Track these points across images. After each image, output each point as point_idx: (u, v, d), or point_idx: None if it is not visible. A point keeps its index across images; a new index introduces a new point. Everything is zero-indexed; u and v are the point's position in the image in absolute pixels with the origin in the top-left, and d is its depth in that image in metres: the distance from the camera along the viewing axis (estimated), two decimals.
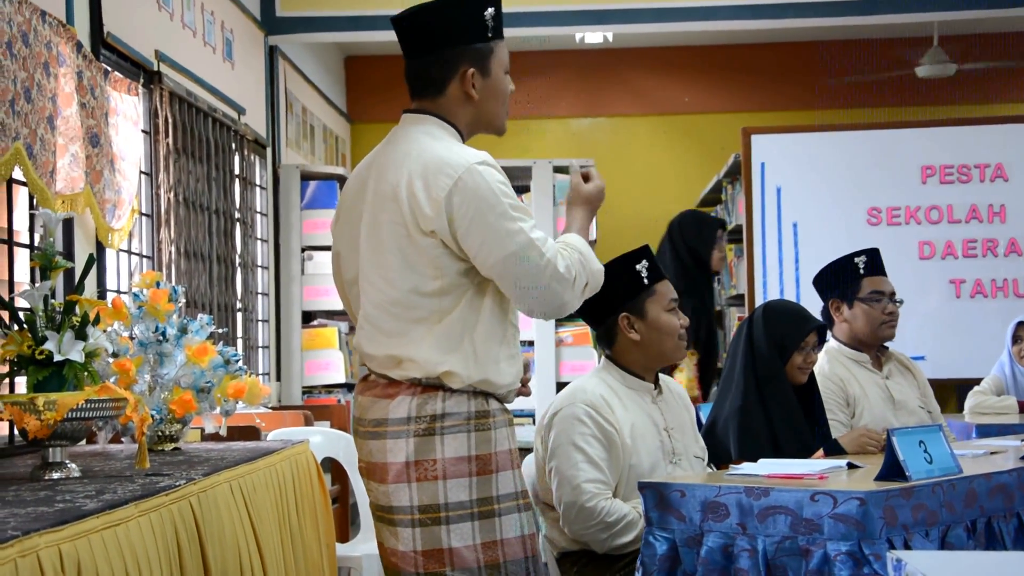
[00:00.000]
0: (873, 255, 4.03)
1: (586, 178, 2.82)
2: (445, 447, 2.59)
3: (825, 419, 3.68)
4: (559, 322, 6.76)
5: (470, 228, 2.56)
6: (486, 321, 2.63)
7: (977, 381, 5.80)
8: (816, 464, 3.10)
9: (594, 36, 8.31)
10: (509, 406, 2.73)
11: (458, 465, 2.59)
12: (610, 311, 3.35)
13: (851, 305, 3.97)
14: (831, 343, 4.01)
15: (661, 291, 3.35)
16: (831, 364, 3.95)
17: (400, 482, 2.61)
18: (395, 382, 2.64)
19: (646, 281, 3.34)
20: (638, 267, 3.34)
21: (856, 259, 4.01)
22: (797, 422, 3.57)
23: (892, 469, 2.83)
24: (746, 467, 3.06)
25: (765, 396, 3.57)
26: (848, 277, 4.00)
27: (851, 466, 3.13)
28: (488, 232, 2.55)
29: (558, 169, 6.86)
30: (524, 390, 2.81)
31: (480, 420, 2.62)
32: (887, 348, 4.09)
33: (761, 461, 3.22)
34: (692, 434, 3.43)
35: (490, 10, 2.69)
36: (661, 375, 3.45)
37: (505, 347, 2.66)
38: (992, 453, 3.47)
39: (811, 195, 6.64)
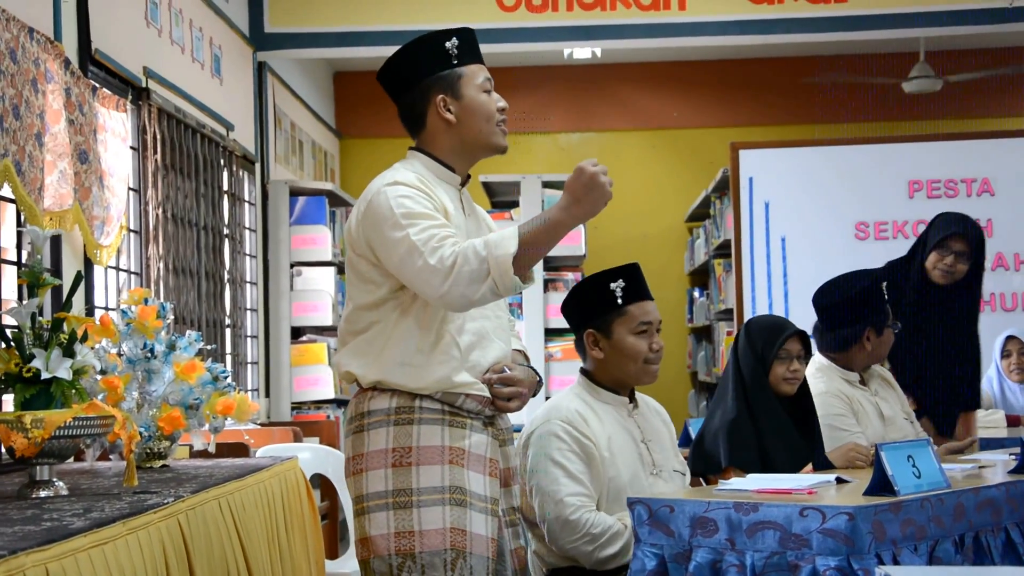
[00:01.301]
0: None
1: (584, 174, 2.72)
2: (369, 442, 2.76)
3: (819, 433, 3.67)
4: (548, 337, 6.76)
5: (376, 243, 2.73)
6: (406, 330, 2.75)
7: None
8: (805, 479, 3.11)
9: (583, 52, 8.34)
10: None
11: (377, 458, 2.74)
12: (579, 325, 3.38)
13: (881, 333, 3.98)
14: (823, 361, 4.01)
15: (633, 313, 3.31)
16: (828, 381, 3.94)
17: (348, 477, 2.81)
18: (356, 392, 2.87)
19: (619, 301, 3.32)
20: (612, 286, 3.33)
21: (883, 284, 4.02)
22: (787, 434, 3.57)
23: (881, 484, 2.84)
24: (735, 482, 3.06)
25: (753, 408, 3.57)
26: (878, 303, 4.01)
27: (840, 481, 3.13)
28: (384, 244, 2.71)
29: (547, 184, 6.86)
30: (504, 405, 2.83)
31: (401, 415, 2.75)
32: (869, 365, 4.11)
33: (750, 476, 3.22)
34: (671, 448, 3.44)
35: (452, 40, 2.86)
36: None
37: (424, 355, 2.74)
38: (980, 467, 3.47)
39: (799, 210, 6.65)
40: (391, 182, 2.77)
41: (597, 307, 3.34)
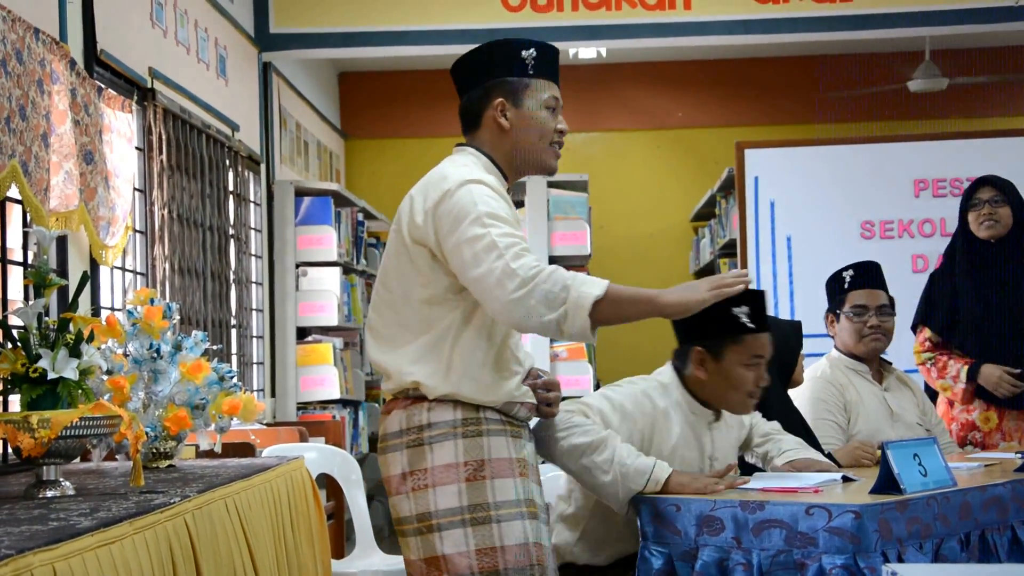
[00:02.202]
0: (863, 268, 4.05)
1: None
2: (435, 456, 2.66)
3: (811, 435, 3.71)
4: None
5: (447, 237, 2.63)
6: (471, 339, 2.67)
7: None
8: (811, 478, 3.11)
9: (588, 51, 8.33)
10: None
11: (447, 472, 2.65)
12: (688, 338, 3.18)
13: (838, 318, 4.02)
14: (833, 352, 4.06)
15: (750, 344, 3.12)
16: (832, 370, 3.99)
17: (401, 493, 2.70)
18: (394, 398, 2.75)
19: (741, 328, 3.11)
20: (736, 311, 3.10)
21: (844, 272, 4.04)
22: (795, 428, 3.60)
23: (887, 482, 2.84)
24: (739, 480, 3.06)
25: (783, 401, 3.61)
26: (836, 290, 4.05)
27: (846, 479, 3.13)
28: (459, 240, 2.61)
29: (552, 184, 6.86)
30: (549, 410, 2.81)
31: (468, 427, 2.66)
32: (888, 363, 4.12)
33: (756, 475, 3.22)
34: (733, 458, 3.29)
35: (531, 51, 2.82)
36: None
37: (490, 368, 2.67)
38: (987, 466, 3.47)
39: (805, 209, 6.65)
40: (475, 179, 2.69)
41: (715, 327, 3.11)
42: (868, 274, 4.03)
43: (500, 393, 2.70)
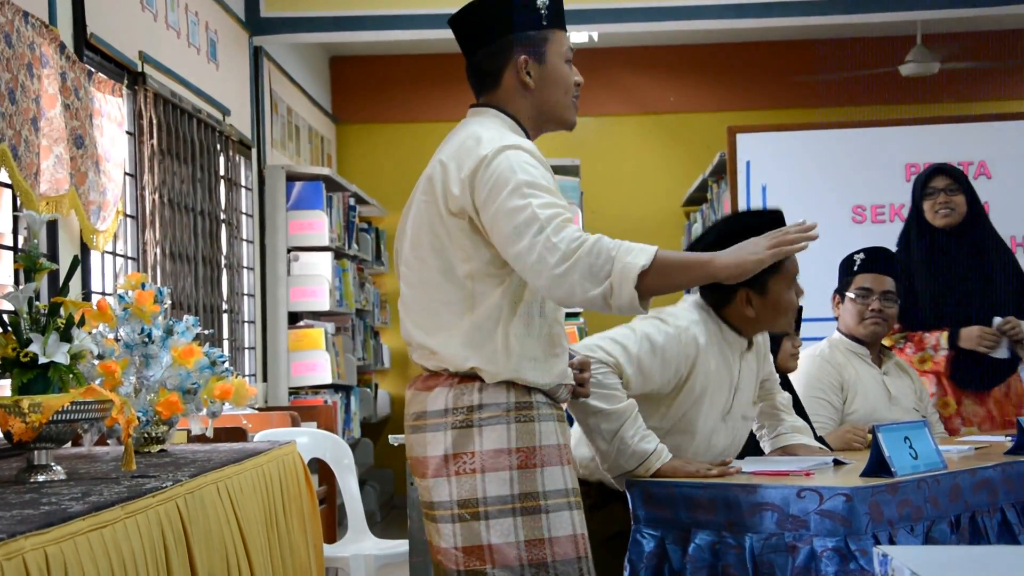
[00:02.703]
0: (873, 253, 4.07)
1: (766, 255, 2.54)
2: (484, 439, 2.50)
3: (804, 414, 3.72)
4: None
5: (486, 205, 2.47)
6: (523, 316, 2.52)
7: None
8: (802, 461, 3.11)
9: (579, 36, 8.32)
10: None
11: (497, 458, 2.50)
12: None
13: (843, 299, 4.04)
14: (834, 334, 4.07)
15: (788, 269, 3.10)
16: (831, 350, 4.02)
17: (439, 476, 2.53)
18: (434, 374, 2.58)
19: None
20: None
21: (856, 255, 4.06)
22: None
23: (878, 465, 2.84)
24: (733, 464, 3.06)
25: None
26: (845, 272, 4.07)
27: (837, 462, 3.14)
28: (498, 211, 2.46)
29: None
30: (582, 390, 2.72)
31: (521, 412, 2.52)
32: (888, 349, 4.14)
33: (747, 459, 3.23)
34: (752, 392, 3.19)
35: None
36: None
37: (545, 346, 2.54)
38: (976, 449, 3.48)
39: (796, 193, 6.64)
40: (512, 145, 2.52)
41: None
42: (878, 259, 4.05)
43: (554, 374, 2.57)
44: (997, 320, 4.37)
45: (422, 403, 2.58)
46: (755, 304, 3.06)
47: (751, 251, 2.53)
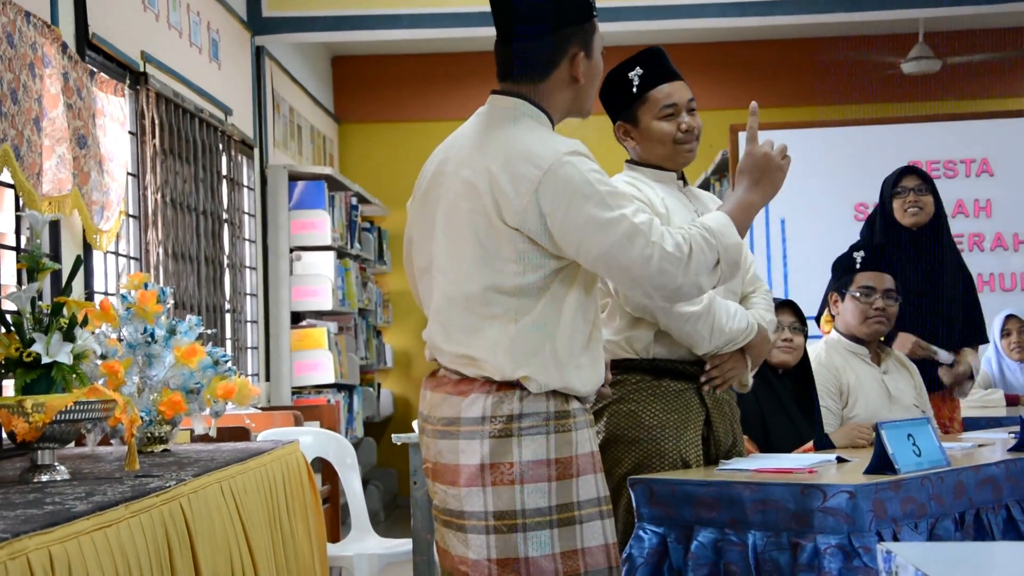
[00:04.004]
0: (874, 250, 4.08)
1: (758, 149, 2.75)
2: (523, 449, 2.43)
3: (818, 411, 3.71)
4: None
5: (566, 222, 2.40)
6: (569, 324, 2.47)
7: None
8: (805, 459, 3.11)
9: None
10: None
11: (537, 469, 2.43)
12: (613, 120, 3.22)
13: (843, 298, 4.03)
14: (832, 335, 4.06)
15: (655, 98, 3.14)
16: (828, 353, 4.00)
17: (474, 486, 2.44)
18: (467, 379, 2.49)
19: (635, 89, 3.13)
20: (631, 75, 3.13)
21: (855, 253, 4.06)
22: (786, 410, 3.61)
23: (881, 462, 2.84)
24: (735, 462, 3.06)
25: (755, 386, 3.61)
26: (844, 270, 4.07)
27: (840, 460, 3.14)
28: (587, 224, 2.40)
29: None
30: (604, 391, 2.67)
31: (560, 421, 2.46)
32: (887, 345, 4.13)
33: (751, 456, 3.23)
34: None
35: None
36: None
37: (588, 352, 2.51)
38: (980, 446, 3.48)
39: (798, 191, 6.64)
40: (572, 151, 2.46)
41: (619, 99, 3.17)
42: (878, 257, 4.06)
43: (596, 380, 2.53)
44: (944, 355, 4.43)
45: (455, 408, 2.49)
46: (633, 136, 3.19)
47: (758, 172, 2.73)
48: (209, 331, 4.03)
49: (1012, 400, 5.67)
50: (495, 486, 2.43)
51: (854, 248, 4.09)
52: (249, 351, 6.47)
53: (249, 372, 6.45)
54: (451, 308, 2.49)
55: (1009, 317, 5.89)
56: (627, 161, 3.26)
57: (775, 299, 3.85)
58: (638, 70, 3.13)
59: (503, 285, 2.43)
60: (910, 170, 4.56)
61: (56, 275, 3.91)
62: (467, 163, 2.49)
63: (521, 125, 2.52)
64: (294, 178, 6.96)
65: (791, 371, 3.75)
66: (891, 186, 4.56)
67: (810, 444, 3.53)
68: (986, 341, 4.67)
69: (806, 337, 3.79)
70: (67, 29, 4.31)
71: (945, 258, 4.51)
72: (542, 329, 2.44)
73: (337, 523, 5.66)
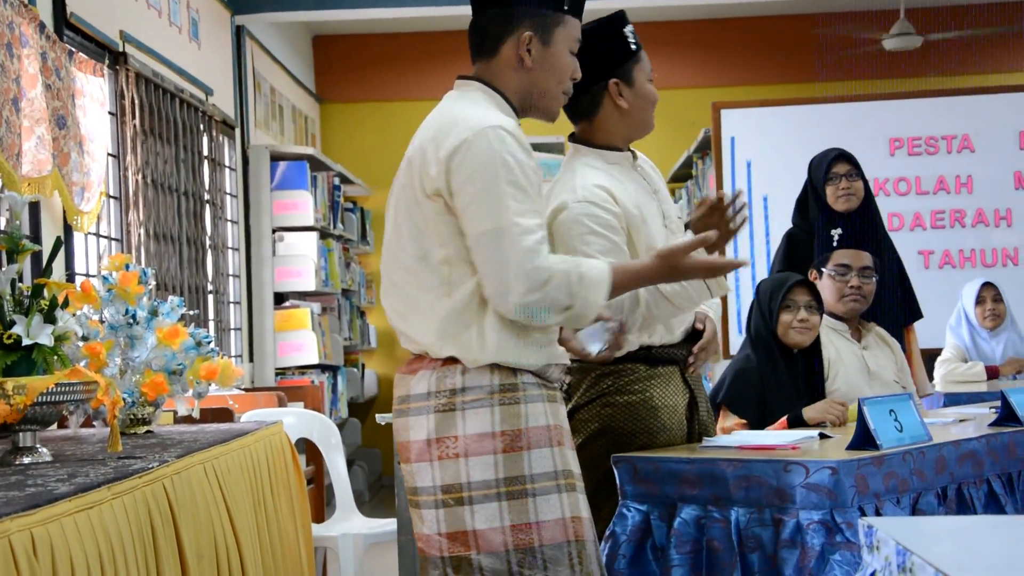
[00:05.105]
0: (852, 227, 4.10)
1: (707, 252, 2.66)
2: (467, 423, 2.44)
3: (823, 391, 3.74)
4: None
5: (462, 189, 2.40)
6: None
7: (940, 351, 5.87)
8: (788, 435, 3.13)
9: None
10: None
11: (481, 442, 2.43)
12: (600, 76, 3.00)
13: (821, 276, 4.04)
14: None
15: (646, 59, 3.11)
16: None
17: (423, 461, 2.47)
18: (418, 356, 2.53)
19: (632, 47, 3.09)
20: (626, 30, 3.07)
21: (832, 231, 4.08)
22: (786, 385, 3.63)
23: (863, 438, 2.86)
24: (719, 439, 3.08)
25: (758, 358, 3.69)
26: (823, 248, 4.09)
27: (823, 436, 3.15)
28: (478, 198, 2.39)
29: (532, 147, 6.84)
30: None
31: (506, 394, 2.45)
32: (868, 321, 4.15)
33: (735, 433, 3.24)
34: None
35: None
36: None
37: (527, 329, 2.46)
38: (961, 421, 3.50)
39: (781, 169, 6.65)
40: (496, 126, 2.43)
41: (619, 54, 3.05)
42: (856, 234, 4.08)
43: (542, 355, 2.49)
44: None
45: (406, 386, 2.53)
46: (625, 95, 3.02)
47: (671, 260, 2.58)
48: (191, 312, 4.02)
49: (992, 373, 5.70)
50: (441, 460, 2.45)
51: (830, 225, 4.10)
52: (232, 332, 6.46)
53: (232, 353, 6.44)
54: (391, 283, 2.54)
55: (985, 284, 5.91)
56: (573, 138, 3.09)
57: (790, 275, 3.84)
58: (631, 27, 3.08)
59: (431, 257, 2.45)
60: (840, 156, 4.53)
61: (36, 256, 3.89)
62: (410, 145, 2.55)
63: (466, 98, 2.54)
64: (276, 158, 6.94)
65: (805, 351, 3.76)
66: (823, 172, 4.54)
67: (784, 419, 3.55)
68: (920, 317, 4.67)
69: (821, 316, 3.78)
70: (45, 8, 4.28)
71: (880, 240, 4.53)
72: (472, 306, 2.45)
73: (322, 503, 5.66)
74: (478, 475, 2.43)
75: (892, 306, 4.50)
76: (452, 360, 2.47)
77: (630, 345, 2.97)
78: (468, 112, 2.48)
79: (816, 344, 3.78)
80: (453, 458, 2.44)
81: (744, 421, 3.63)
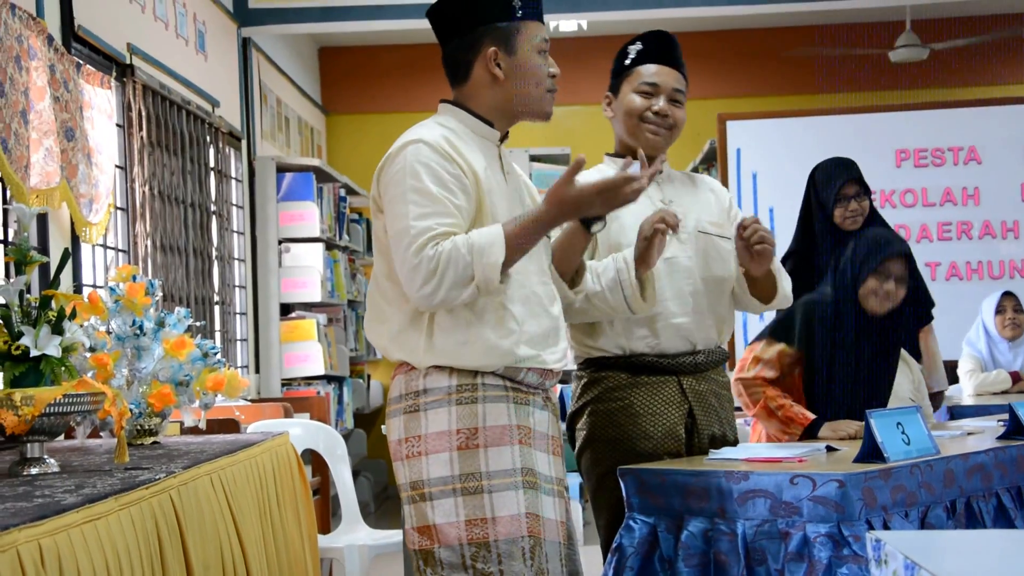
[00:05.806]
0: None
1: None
2: (429, 422, 2.58)
3: (889, 382, 3.65)
4: None
5: (384, 202, 2.61)
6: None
7: (954, 363, 5.84)
8: (795, 448, 3.12)
9: (568, 24, 8.31)
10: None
11: (439, 440, 2.56)
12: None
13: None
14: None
15: (639, 72, 3.13)
16: None
17: (397, 460, 2.64)
18: (399, 363, 2.69)
19: (627, 61, 3.10)
20: (630, 48, 3.11)
21: (629, 46, 3.96)
22: (863, 367, 3.52)
23: (870, 451, 2.85)
24: (725, 451, 3.07)
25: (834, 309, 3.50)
26: (618, 69, 4.01)
27: (830, 449, 3.14)
28: (389, 208, 2.58)
29: (534, 158, 6.86)
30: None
31: (463, 394, 2.57)
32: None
33: (741, 446, 3.23)
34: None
35: None
36: None
37: (478, 332, 2.56)
38: (969, 434, 3.49)
39: (787, 180, 6.65)
40: (415, 139, 2.59)
41: (616, 69, 3.18)
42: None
43: (495, 356, 2.57)
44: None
45: (389, 391, 2.72)
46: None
47: (556, 190, 2.58)
48: (198, 323, 4.02)
49: (1015, 377, 5.70)
50: (408, 459, 2.60)
51: (839, 245, 4.07)
52: (238, 343, 6.46)
53: (238, 364, 6.44)
54: (370, 300, 2.73)
55: (1006, 294, 5.89)
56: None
57: (893, 240, 3.62)
58: (638, 45, 3.15)
59: (391, 268, 2.61)
60: (850, 177, 4.36)
61: (44, 268, 3.90)
62: None
63: (425, 123, 2.68)
64: (282, 170, 6.95)
65: (882, 322, 3.54)
66: (834, 194, 4.38)
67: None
68: (931, 319, 4.62)
69: (907, 292, 3.56)
70: (52, 21, 4.29)
71: None
72: (420, 314, 2.58)
73: (327, 514, 5.66)
74: (436, 472, 2.56)
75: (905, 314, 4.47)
76: (415, 367, 2.61)
77: (609, 344, 3.07)
78: (407, 134, 2.64)
79: (896, 323, 3.57)
80: (417, 456, 2.59)
81: (790, 350, 3.47)
